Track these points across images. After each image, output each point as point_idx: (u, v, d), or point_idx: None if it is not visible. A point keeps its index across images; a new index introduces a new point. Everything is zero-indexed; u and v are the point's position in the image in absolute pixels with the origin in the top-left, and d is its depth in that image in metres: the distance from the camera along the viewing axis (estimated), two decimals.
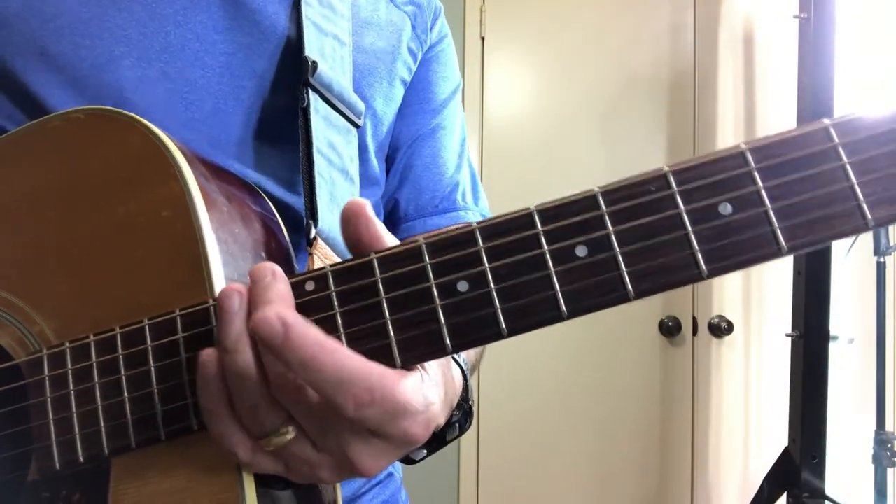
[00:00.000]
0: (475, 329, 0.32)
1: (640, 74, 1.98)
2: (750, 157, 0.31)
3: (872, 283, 1.71)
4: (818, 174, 0.30)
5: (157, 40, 0.48)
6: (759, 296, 1.94)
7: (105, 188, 0.41)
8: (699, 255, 0.30)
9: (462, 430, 0.45)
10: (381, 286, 0.33)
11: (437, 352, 0.33)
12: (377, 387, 0.31)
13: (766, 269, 1.93)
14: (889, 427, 1.68)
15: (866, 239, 1.71)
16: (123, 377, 0.37)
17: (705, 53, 1.97)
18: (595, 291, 0.31)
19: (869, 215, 0.29)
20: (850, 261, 1.76)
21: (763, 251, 0.30)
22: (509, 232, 0.32)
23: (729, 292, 1.95)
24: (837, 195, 0.29)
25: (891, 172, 0.29)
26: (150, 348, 0.37)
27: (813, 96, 1.61)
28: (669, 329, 1.93)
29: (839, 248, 1.68)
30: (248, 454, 0.34)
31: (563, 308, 0.31)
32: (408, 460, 0.46)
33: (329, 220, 0.49)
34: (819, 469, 1.56)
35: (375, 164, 0.59)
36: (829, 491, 1.56)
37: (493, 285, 0.32)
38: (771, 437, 1.81)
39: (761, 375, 1.93)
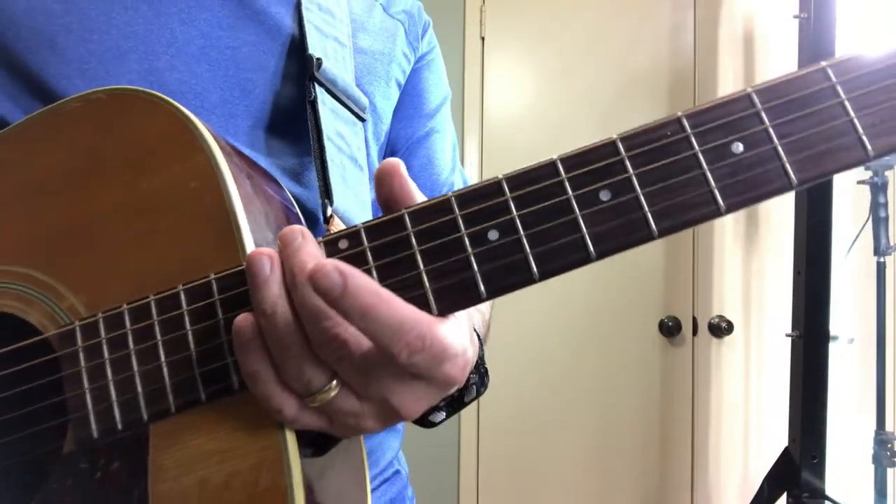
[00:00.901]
0: (508, 274, 0.34)
1: (640, 74, 1.98)
2: (756, 98, 0.33)
3: (872, 283, 1.71)
4: (820, 111, 0.32)
5: (163, 36, 0.50)
6: (759, 296, 1.94)
7: (130, 164, 0.41)
8: (716, 192, 0.32)
9: (478, 393, 0.46)
10: (413, 239, 0.34)
11: (472, 298, 0.34)
12: (427, 333, 0.32)
13: (766, 269, 1.93)
14: (889, 427, 1.68)
15: (866, 239, 1.71)
16: (159, 342, 0.37)
17: (705, 53, 1.97)
18: (620, 232, 0.33)
19: (869, 147, 0.31)
20: (850, 261, 1.76)
21: (775, 185, 0.32)
22: (535, 181, 0.34)
23: (729, 292, 1.95)
24: (839, 129, 0.32)
25: (888, 106, 0.31)
26: (185, 312, 0.37)
27: None
28: (669, 329, 1.93)
29: (839, 248, 1.68)
30: (293, 412, 0.34)
31: (591, 249, 0.33)
32: (427, 423, 0.47)
33: (343, 200, 0.50)
34: (819, 469, 1.56)
35: (376, 161, 0.61)
36: (829, 491, 1.56)
37: (522, 232, 0.34)
38: (771, 437, 1.81)
39: (761, 375, 1.93)
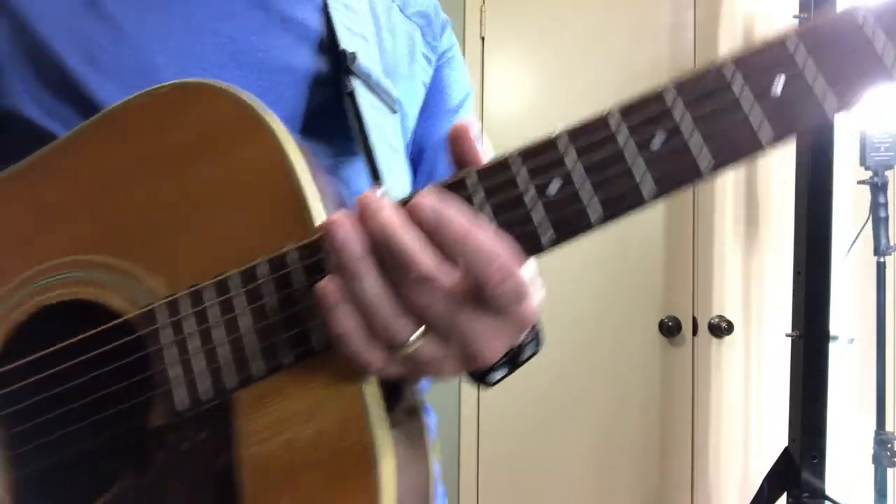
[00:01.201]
0: (571, 221, 0.36)
1: (640, 74, 1.98)
2: (792, 42, 0.36)
3: (872, 283, 1.71)
4: (849, 46, 0.36)
5: (195, 48, 0.52)
6: (759, 296, 1.94)
7: (199, 150, 0.43)
8: (759, 130, 0.36)
9: (533, 353, 0.49)
10: (482, 192, 0.36)
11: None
12: (514, 263, 0.34)
13: (766, 269, 1.93)
14: (889, 427, 1.68)
15: (866, 239, 1.71)
16: (240, 314, 0.39)
17: (705, 53, 1.97)
18: (675, 173, 0.35)
19: (891, 70, 0.36)
20: (850, 261, 1.76)
21: (814, 114, 0.35)
22: (592, 132, 0.36)
23: (729, 292, 1.95)
24: (867, 57, 0.36)
25: None
26: (266, 282, 0.39)
27: None
28: (669, 329, 1.93)
29: (839, 248, 1.68)
30: (379, 365, 0.36)
31: (653, 187, 0.35)
32: (484, 383, 0.49)
33: (391, 183, 0.52)
34: (819, 469, 1.56)
35: (405, 157, 0.63)
36: (829, 491, 1.56)
37: (582, 181, 0.35)
38: (771, 437, 1.81)
39: (761, 375, 1.93)
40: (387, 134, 0.56)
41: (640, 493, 1.97)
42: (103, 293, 0.43)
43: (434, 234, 0.34)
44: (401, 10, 0.67)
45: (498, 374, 0.48)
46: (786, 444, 1.62)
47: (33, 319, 0.44)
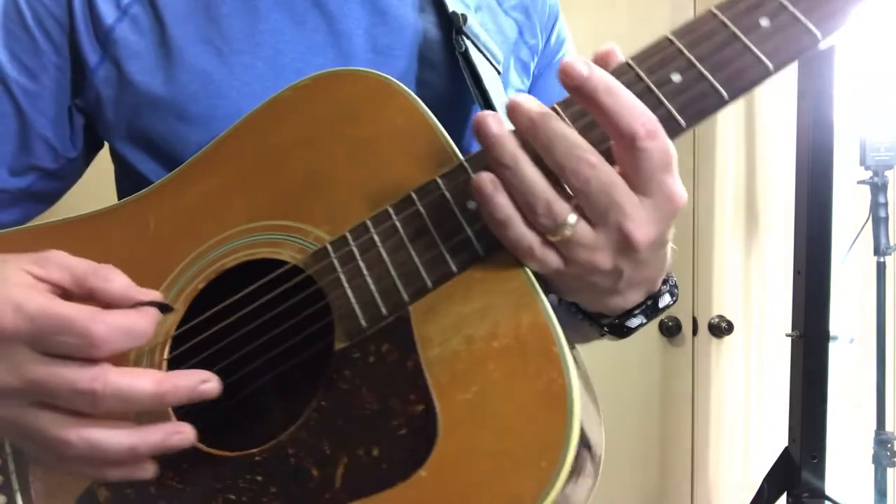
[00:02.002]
0: (698, 101, 0.39)
1: None
2: None
3: (872, 283, 1.71)
4: None
5: (279, 88, 0.55)
6: (759, 296, 1.94)
7: (345, 120, 0.49)
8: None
9: (670, 303, 0.50)
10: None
11: (672, 129, 0.39)
12: (657, 120, 0.37)
13: (766, 269, 1.93)
14: (889, 427, 1.68)
15: (866, 239, 1.71)
16: (403, 234, 0.43)
17: None
18: (789, 45, 0.39)
19: None
20: (850, 261, 1.76)
21: (805, 41, 0.39)
22: (697, 27, 0.40)
23: (729, 292, 1.95)
24: None
25: None
26: (420, 206, 0.44)
27: (813, 96, 1.61)
28: (669, 329, 1.93)
29: (839, 248, 1.68)
30: (539, 248, 0.39)
31: (768, 62, 0.39)
32: (625, 331, 0.50)
33: None
34: (819, 469, 1.56)
35: None
36: (829, 491, 1.56)
37: (700, 66, 0.39)
38: (771, 437, 1.81)
39: (761, 375, 1.93)
40: (498, 91, 0.58)
41: (640, 492, 1.97)
42: (275, 250, 0.48)
43: (586, 86, 0.36)
44: (498, 4, 0.67)
45: (636, 321, 0.49)
46: (786, 444, 1.62)
47: (215, 283, 0.49)
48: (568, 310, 0.48)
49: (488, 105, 0.55)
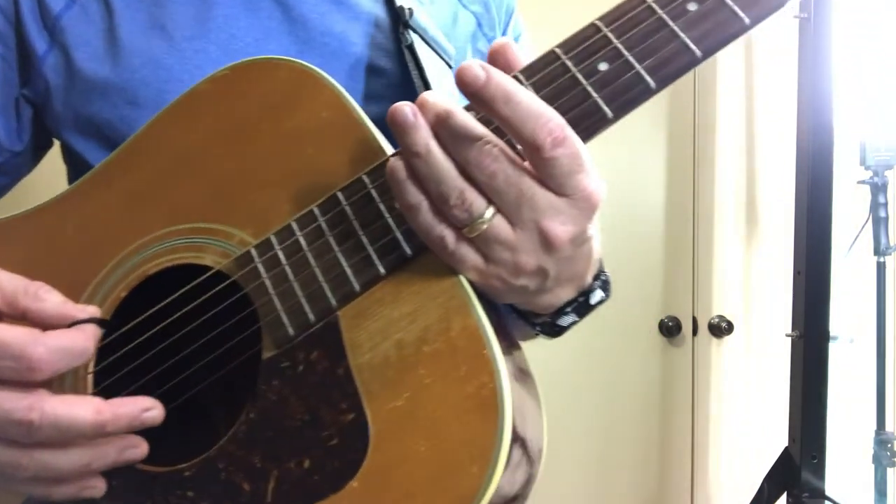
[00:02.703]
0: (626, 90, 0.38)
1: None
2: None
3: (872, 283, 1.71)
4: None
5: None
6: (759, 296, 1.94)
7: (267, 114, 0.47)
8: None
9: (601, 299, 0.50)
10: (529, 89, 0.38)
11: (600, 120, 0.38)
12: (565, 124, 0.36)
13: (766, 268, 1.93)
14: (889, 427, 1.68)
15: (866, 239, 1.71)
16: (329, 236, 0.42)
17: None
18: (717, 30, 0.38)
19: None
20: (850, 261, 1.75)
21: (733, 27, 0.38)
22: (626, 12, 0.39)
23: (729, 292, 1.95)
24: None
25: None
26: (346, 206, 0.42)
27: (813, 96, 1.61)
28: (669, 329, 1.93)
29: (839, 248, 1.68)
30: (452, 241, 0.38)
31: (696, 49, 0.38)
32: (556, 329, 0.49)
33: None
34: (819, 469, 1.56)
35: None
36: (829, 491, 1.56)
37: (628, 54, 0.38)
38: (771, 437, 1.81)
39: (761, 375, 1.93)
40: (448, 87, 0.58)
41: (640, 493, 1.97)
42: (197, 255, 0.46)
43: (483, 94, 0.35)
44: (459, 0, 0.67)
45: (568, 319, 0.48)
46: (786, 444, 1.62)
47: (138, 290, 0.47)
48: (505, 307, 0.47)
49: None
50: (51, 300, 0.40)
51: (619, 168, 1.94)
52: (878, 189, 1.68)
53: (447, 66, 0.60)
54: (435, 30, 0.60)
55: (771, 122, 1.92)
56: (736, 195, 1.95)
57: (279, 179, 0.45)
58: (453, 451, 0.37)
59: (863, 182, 1.70)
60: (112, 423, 0.39)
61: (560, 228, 0.37)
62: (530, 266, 0.38)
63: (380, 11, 0.59)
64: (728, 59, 1.97)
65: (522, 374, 0.43)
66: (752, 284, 1.95)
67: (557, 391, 1.98)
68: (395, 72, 0.59)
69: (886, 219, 1.68)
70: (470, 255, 0.38)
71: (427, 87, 0.55)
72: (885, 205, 1.68)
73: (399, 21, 0.57)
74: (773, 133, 1.92)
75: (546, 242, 0.37)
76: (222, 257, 0.45)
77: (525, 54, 0.70)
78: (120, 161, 0.51)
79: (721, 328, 1.91)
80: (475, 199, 0.37)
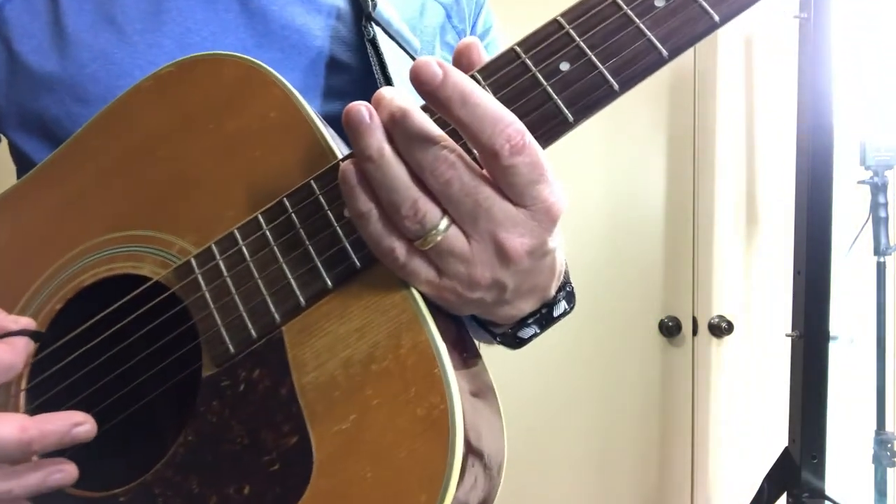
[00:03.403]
0: (588, 92, 0.36)
1: None
2: None
3: (872, 283, 1.71)
4: None
5: None
6: (759, 296, 1.94)
7: (212, 113, 0.44)
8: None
9: (566, 311, 0.47)
10: (488, 90, 0.36)
11: (561, 124, 0.36)
12: (525, 130, 0.33)
13: (766, 268, 1.93)
14: (889, 427, 1.68)
15: (866, 239, 1.71)
16: (274, 246, 0.39)
17: (705, 52, 1.97)
18: (684, 28, 0.36)
19: None
20: (850, 261, 1.76)
21: (701, 25, 0.36)
22: (589, 9, 0.37)
23: (729, 292, 1.95)
24: None
25: None
26: (292, 214, 0.39)
27: (813, 96, 1.61)
28: (669, 329, 1.93)
29: (839, 248, 1.68)
30: (403, 253, 0.36)
31: (662, 49, 0.36)
32: (517, 341, 0.46)
33: None
34: (819, 469, 1.56)
35: None
36: (829, 491, 1.56)
37: (590, 53, 0.36)
38: (771, 437, 1.81)
39: (761, 375, 1.93)
40: (409, 83, 0.56)
41: (640, 493, 1.97)
42: (135, 265, 0.43)
43: (439, 95, 0.33)
44: None
45: (529, 331, 0.46)
46: (786, 444, 1.62)
47: (73, 302, 0.45)
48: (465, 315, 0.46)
49: None
50: None
51: (619, 168, 1.94)
52: (878, 189, 1.68)
53: (412, 60, 0.57)
54: (400, 22, 0.58)
55: (771, 122, 1.92)
56: (736, 195, 1.95)
57: (223, 184, 0.42)
58: (401, 478, 0.34)
59: (863, 182, 1.70)
60: (39, 440, 0.36)
61: (517, 241, 0.35)
62: (486, 279, 0.36)
63: (342, 3, 0.57)
64: (728, 59, 1.97)
65: (480, 390, 0.41)
66: (752, 284, 1.95)
67: (557, 391, 1.98)
68: (357, 67, 0.56)
69: (886, 219, 1.68)
70: (422, 268, 0.36)
71: (389, 82, 0.52)
72: (885, 205, 1.68)
73: (362, 13, 0.54)
74: (773, 133, 1.92)
75: (502, 255, 0.35)
76: (161, 267, 0.42)
77: (495, 51, 0.68)
78: (58, 163, 0.48)
79: (721, 328, 1.91)
80: (429, 210, 0.34)
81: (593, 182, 1.93)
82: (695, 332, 1.95)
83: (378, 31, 0.54)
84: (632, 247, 1.95)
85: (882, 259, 1.69)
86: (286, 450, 0.37)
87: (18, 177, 0.60)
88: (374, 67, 0.52)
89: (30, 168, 0.53)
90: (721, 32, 2.13)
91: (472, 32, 0.67)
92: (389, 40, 0.55)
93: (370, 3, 0.54)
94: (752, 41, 1.97)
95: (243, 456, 0.38)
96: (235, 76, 0.44)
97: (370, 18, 0.53)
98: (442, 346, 0.36)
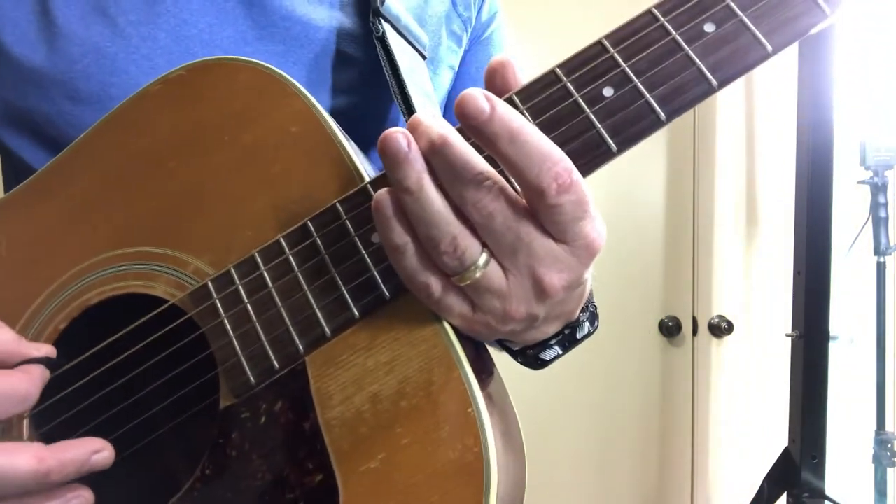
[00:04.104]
0: (632, 122, 0.34)
1: None
2: None
3: (872, 283, 1.71)
4: None
5: (185, 62, 0.49)
6: (759, 296, 1.94)
7: (227, 123, 0.41)
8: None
9: (589, 332, 0.46)
10: (526, 115, 0.35)
11: (604, 154, 0.34)
12: (573, 168, 0.32)
13: (766, 268, 1.93)
14: (889, 427, 1.68)
15: (866, 239, 1.71)
16: (298, 273, 0.37)
17: None
18: (735, 58, 0.34)
19: (826, 7, 0.34)
20: (850, 261, 1.76)
21: (754, 55, 0.34)
22: (635, 32, 0.35)
23: (729, 292, 1.95)
24: (798, 3, 0.34)
25: None
26: (317, 238, 0.37)
27: (813, 96, 1.61)
28: (669, 329, 1.93)
29: (839, 248, 1.68)
30: (439, 289, 0.34)
31: (712, 79, 0.34)
32: (539, 362, 0.45)
33: None
34: (819, 469, 1.56)
35: (440, 108, 0.60)
36: (829, 491, 1.56)
37: (636, 80, 0.34)
38: (771, 437, 1.81)
39: (761, 375, 1.93)
40: (420, 80, 0.53)
41: (640, 493, 1.97)
42: (147, 284, 0.41)
43: (486, 129, 0.31)
44: None
45: (551, 353, 0.44)
46: (786, 444, 1.62)
47: (78, 322, 0.42)
48: None
49: (405, 96, 0.49)
50: (1, 336, 0.36)
51: (620, 168, 1.94)
52: (878, 189, 1.68)
53: (420, 58, 0.56)
54: (407, 17, 0.55)
55: (771, 122, 1.92)
56: (736, 195, 1.95)
57: (240, 200, 0.40)
58: None
59: (863, 182, 1.70)
60: (57, 470, 0.35)
61: (556, 277, 0.34)
62: (520, 314, 0.35)
63: (347, 18, 0.55)
64: None
65: (507, 424, 0.39)
66: (752, 284, 1.95)
67: (557, 391, 1.98)
68: (365, 61, 0.54)
69: (886, 219, 1.68)
70: (457, 303, 0.35)
71: (400, 83, 0.49)
72: (885, 205, 1.68)
73: (369, 8, 0.52)
74: (773, 133, 1.92)
75: (540, 291, 0.34)
76: (176, 289, 0.40)
77: (499, 38, 0.67)
78: (60, 170, 0.45)
79: (721, 328, 1.91)
80: (469, 246, 0.33)
81: (593, 182, 1.92)
82: (695, 332, 1.95)
83: (387, 27, 0.52)
84: (632, 247, 1.95)
85: (882, 259, 1.69)
86: (311, 489, 0.35)
87: (4, 175, 0.57)
88: (384, 67, 0.50)
89: (20, 167, 0.51)
90: None
91: (478, 19, 0.64)
92: (398, 36, 0.53)
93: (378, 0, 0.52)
94: None
95: (264, 493, 0.36)
96: (251, 84, 0.42)
97: (378, 14, 0.51)
98: (475, 385, 0.34)
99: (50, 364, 0.38)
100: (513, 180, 0.34)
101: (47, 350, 0.38)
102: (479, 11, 0.65)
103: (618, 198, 1.94)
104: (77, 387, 0.41)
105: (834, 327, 1.60)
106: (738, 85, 1.96)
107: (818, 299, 1.59)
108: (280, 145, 0.40)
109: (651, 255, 1.96)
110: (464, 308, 0.35)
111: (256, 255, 0.38)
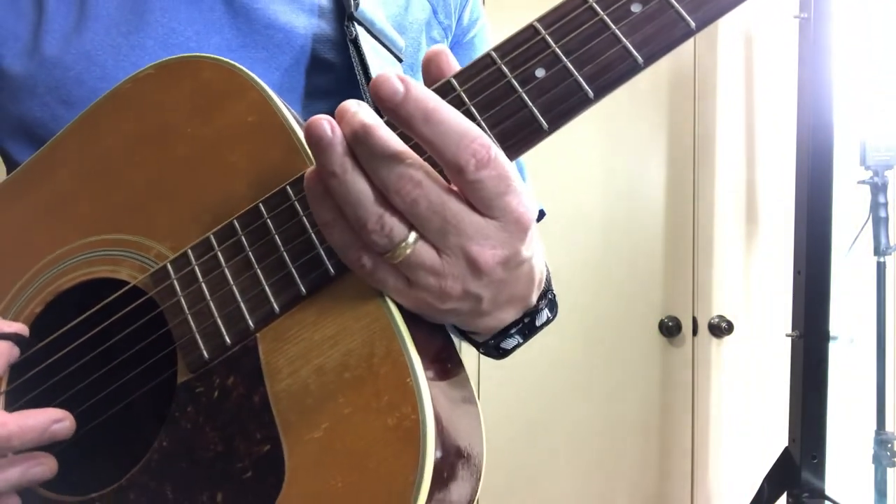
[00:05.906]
0: (562, 100, 0.36)
1: (640, 74, 1.98)
2: None
3: (872, 283, 1.71)
4: None
5: None
6: (759, 296, 1.94)
7: (190, 117, 0.44)
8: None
9: (548, 319, 0.46)
10: (464, 96, 0.36)
11: (535, 132, 0.36)
12: (490, 143, 0.33)
13: (766, 269, 1.93)
14: (889, 427, 1.68)
15: (866, 239, 1.71)
16: (249, 252, 0.39)
17: (705, 53, 1.97)
18: (660, 35, 0.36)
19: None
20: (850, 261, 1.76)
21: (678, 31, 0.36)
22: (566, 14, 0.37)
23: (729, 292, 1.95)
24: None
25: None
26: (267, 220, 0.39)
27: (813, 96, 1.61)
28: (669, 329, 1.93)
29: (839, 248, 1.68)
30: (370, 263, 0.35)
31: (637, 54, 0.36)
32: (501, 352, 0.46)
33: None
34: (819, 469, 1.56)
35: None
36: (829, 491, 1.56)
37: (566, 59, 0.36)
38: (771, 437, 1.81)
39: (761, 375, 1.93)
40: None
41: (640, 492, 1.97)
42: (113, 269, 0.43)
43: (400, 111, 0.32)
44: None
45: (511, 342, 0.45)
46: (786, 444, 1.62)
47: (53, 306, 0.45)
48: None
49: None
50: None
51: (619, 168, 1.94)
52: (878, 189, 1.68)
53: (396, 60, 0.58)
54: (384, 21, 0.57)
55: (771, 122, 1.92)
56: (736, 195, 1.95)
57: (200, 189, 0.42)
58: (371, 488, 0.34)
59: (863, 182, 1.70)
60: (18, 435, 0.36)
61: (489, 253, 0.35)
62: (456, 291, 0.36)
63: (325, 1, 0.57)
64: (728, 59, 1.97)
65: (459, 399, 0.41)
66: (752, 284, 1.95)
67: (557, 391, 1.98)
68: (341, 66, 0.56)
69: (886, 219, 1.68)
70: (390, 278, 0.36)
71: (370, 83, 0.52)
72: (885, 205, 1.68)
73: (345, 13, 0.54)
74: (773, 133, 1.92)
75: (474, 268, 0.35)
76: (139, 272, 0.42)
77: (481, 43, 0.68)
78: (37, 166, 0.48)
79: (721, 328, 1.91)
80: (395, 225, 0.34)
81: (593, 182, 1.93)
82: (695, 333, 1.95)
83: (361, 30, 0.53)
84: (632, 247, 1.95)
85: (882, 259, 1.69)
86: (259, 458, 0.37)
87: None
88: (356, 68, 0.52)
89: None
90: (721, 32, 2.13)
91: (458, 25, 0.66)
92: (372, 39, 0.55)
93: (352, 2, 0.54)
94: (753, 41, 1.97)
95: (217, 463, 0.38)
96: (214, 79, 0.44)
97: (352, 18, 0.53)
98: (415, 355, 0.35)
99: (21, 342, 0.41)
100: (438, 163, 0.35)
101: (18, 327, 0.40)
102: (460, 18, 0.67)
103: (618, 198, 1.94)
104: (46, 365, 0.43)
105: (834, 327, 1.60)
106: (738, 85, 1.96)
107: (818, 299, 1.59)
108: (238, 136, 0.42)
109: (651, 255, 1.96)
110: (398, 283, 0.36)
111: (211, 236, 0.41)
